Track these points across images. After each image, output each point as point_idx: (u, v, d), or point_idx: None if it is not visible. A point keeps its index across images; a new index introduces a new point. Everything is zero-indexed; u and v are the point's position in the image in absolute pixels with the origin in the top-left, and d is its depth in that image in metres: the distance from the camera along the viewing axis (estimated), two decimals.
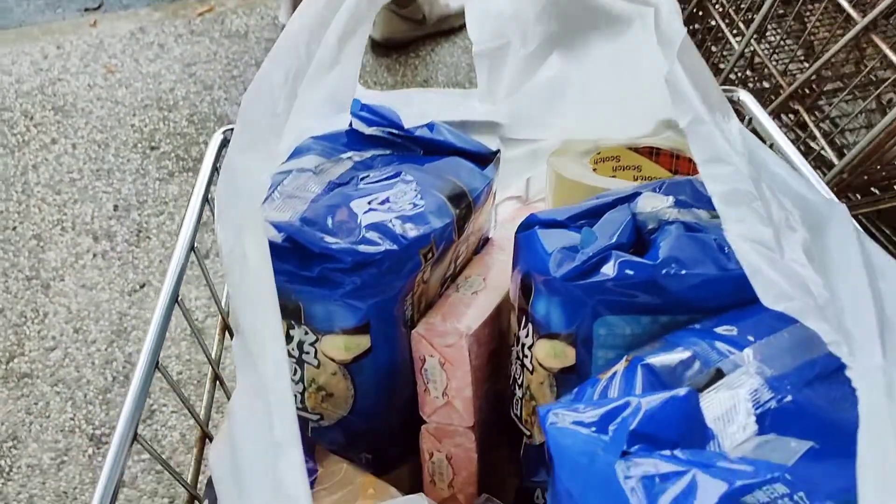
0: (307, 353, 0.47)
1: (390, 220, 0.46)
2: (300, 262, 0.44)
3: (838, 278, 0.37)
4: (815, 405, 0.35)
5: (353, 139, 0.55)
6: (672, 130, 0.59)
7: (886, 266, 0.40)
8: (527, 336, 0.47)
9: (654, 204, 0.47)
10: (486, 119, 0.58)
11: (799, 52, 1.22)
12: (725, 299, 0.42)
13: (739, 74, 1.19)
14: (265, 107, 0.41)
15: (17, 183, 1.61)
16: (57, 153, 1.66)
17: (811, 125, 1.03)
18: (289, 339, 0.47)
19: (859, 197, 1.12)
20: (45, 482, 1.16)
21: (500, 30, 0.52)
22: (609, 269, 0.43)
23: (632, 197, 0.48)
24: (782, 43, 1.19)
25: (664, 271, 0.42)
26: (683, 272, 0.42)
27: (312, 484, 0.43)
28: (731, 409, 0.35)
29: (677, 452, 0.32)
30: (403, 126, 0.54)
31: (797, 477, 0.32)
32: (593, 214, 0.48)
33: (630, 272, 0.42)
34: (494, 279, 0.53)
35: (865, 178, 1.08)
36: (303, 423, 0.49)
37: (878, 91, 1.09)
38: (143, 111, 1.73)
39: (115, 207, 1.54)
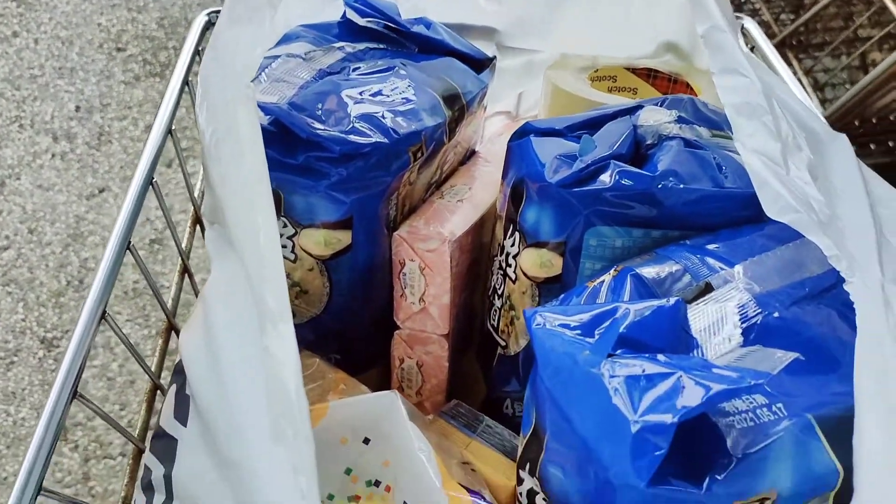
0: (284, 246, 0.45)
1: (382, 113, 0.44)
2: (285, 148, 0.42)
3: (840, 200, 0.36)
4: (802, 322, 0.34)
5: (345, 30, 0.52)
6: (672, 54, 0.57)
7: (885, 194, 0.39)
8: (513, 245, 0.46)
9: (655, 117, 0.45)
10: (484, 24, 0.56)
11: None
12: (720, 217, 0.41)
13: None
14: None
15: None
16: (18, 47, 1.58)
17: (800, 73, 1.02)
18: None
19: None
20: None
21: None
22: (606, 178, 0.41)
23: (633, 110, 0.47)
24: None
25: (661, 184, 0.41)
26: (681, 186, 0.41)
27: None
28: (718, 321, 0.35)
29: (661, 356, 0.31)
30: (400, 20, 0.51)
31: (777, 388, 0.32)
32: (592, 125, 0.47)
33: (627, 182, 0.41)
34: (479, 190, 0.52)
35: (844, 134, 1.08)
36: None
37: (863, 48, 1.08)
38: (110, 10, 1.66)
39: (77, 108, 1.48)
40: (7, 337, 1.19)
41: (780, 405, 0.32)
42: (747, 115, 0.36)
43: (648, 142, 0.45)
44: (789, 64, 1.03)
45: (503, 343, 0.48)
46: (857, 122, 1.07)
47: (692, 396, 0.29)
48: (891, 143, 1.13)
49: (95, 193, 1.36)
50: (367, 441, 0.38)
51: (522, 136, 0.47)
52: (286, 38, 0.49)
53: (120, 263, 0.42)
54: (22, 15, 1.65)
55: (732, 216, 0.41)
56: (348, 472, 0.38)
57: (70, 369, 0.37)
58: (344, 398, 0.39)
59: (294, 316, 0.47)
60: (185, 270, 0.52)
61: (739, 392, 0.30)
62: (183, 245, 0.52)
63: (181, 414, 0.35)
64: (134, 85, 1.53)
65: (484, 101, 0.54)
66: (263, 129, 0.40)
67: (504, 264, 0.47)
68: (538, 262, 0.44)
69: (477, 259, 0.50)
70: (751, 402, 0.32)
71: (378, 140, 0.42)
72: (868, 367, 0.27)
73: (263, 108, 0.42)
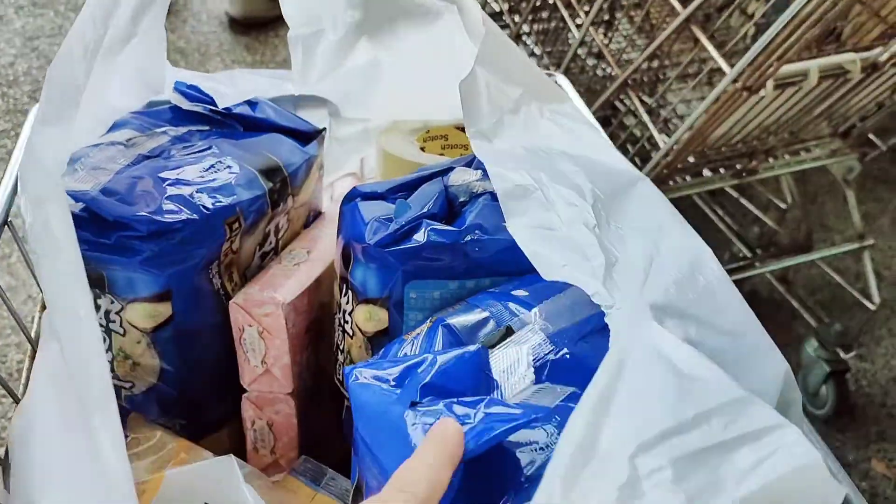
0: (113, 321, 0.47)
1: (192, 192, 0.47)
2: (98, 229, 0.45)
3: (624, 240, 0.41)
4: (586, 356, 0.39)
5: (174, 115, 0.55)
6: None
7: (673, 224, 0.44)
8: (347, 303, 0.49)
9: (464, 178, 0.50)
10: (318, 95, 0.59)
11: (639, 42, 1.30)
12: (524, 261, 0.45)
13: (586, 62, 1.25)
14: (66, 79, 0.41)
15: None
16: None
17: (640, 110, 1.10)
18: (97, 307, 0.47)
19: (689, 179, 1.21)
20: None
21: (315, 16, 0.54)
22: (420, 237, 0.45)
23: (445, 171, 0.51)
24: (633, 36, 1.25)
25: (468, 237, 0.45)
26: (486, 238, 0.45)
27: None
28: (515, 362, 0.39)
29: (458, 404, 0.35)
30: (218, 105, 0.55)
31: (565, 418, 0.36)
32: (410, 187, 0.50)
33: (438, 238, 0.45)
34: (320, 251, 0.55)
35: (693, 160, 1.17)
36: (116, 391, 0.49)
37: (698, 78, 1.17)
38: None
39: None
40: None
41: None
42: (516, 197, 0.41)
43: (461, 199, 0.49)
44: (631, 100, 1.11)
45: (348, 396, 0.51)
46: (703, 149, 1.16)
47: (479, 437, 0.33)
48: (738, 167, 1.22)
49: None
50: None
51: (351, 200, 0.50)
52: (114, 126, 0.52)
53: None
54: None
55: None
56: None
57: None
58: (182, 467, 0.41)
59: (133, 386, 0.49)
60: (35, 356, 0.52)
61: (519, 427, 0.33)
62: (33, 330, 0.53)
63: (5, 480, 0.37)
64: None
65: (315, 168, 0.57)
66: (76, 216, 0.43)
67: (342, 321, 0.50)
68: (368, 317, 0.47)
69: (318, 318, 0.53)
70: (543, 432, 0.36)
71: (188, 217, 0.45)
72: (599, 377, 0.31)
73: (74, 195, 0.44)
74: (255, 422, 0.51)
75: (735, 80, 0.93)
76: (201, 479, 0.40)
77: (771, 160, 1.24)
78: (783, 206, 1.46)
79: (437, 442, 0.32)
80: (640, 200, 0.47)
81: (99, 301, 0.47)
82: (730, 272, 0.48)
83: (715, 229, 1.42)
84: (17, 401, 0.47)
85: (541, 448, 0.35)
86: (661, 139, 1.08)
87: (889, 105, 1.15)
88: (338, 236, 0.51)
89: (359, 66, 0.58)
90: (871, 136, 1.24)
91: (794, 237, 1.45)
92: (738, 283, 0.44)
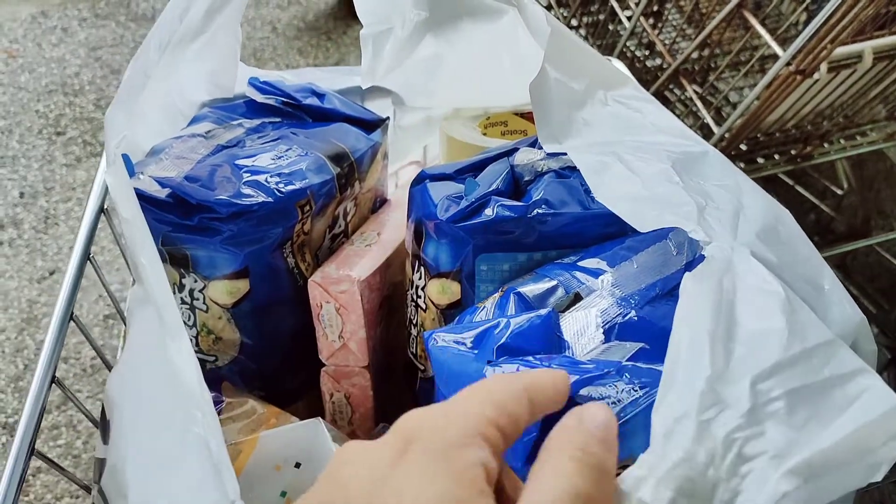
0: (197, 299, 0.51)
1: (267, 177, 0.50)
2: (183, 212, 0.48)
3: (709, 195, 0.43)
4: (653, 318, 0.40)
5: (248, 108, 0.59)
6: None
7: (751, 188, 0.46)
8: (420, 278, 0.51)
9: (528, 157, 0.52)
10: (383, 86, 0.63)
11: (689, 32, 1.31)
12: (588, 234, 0.47)
13: (636, 53, 1.26)
14: (139, 70, 0.45)
15: None
16: None
17: (694, 98, 1.10)
18: (181, 287, 0.51)
19: (742, 166, 1.21)
20: None
21: (385, 15, 0.57)
22: (489, 212, 0.47)
23: (510, 152, 0.53)
24: (683, 26, 1.26)
25: (535, 211, 0.47)
26: (551, 212, 0.47)
27: (220, 413, 0.46)
28: (584, 325, 0.41)
29: (533, 358, 0.37)
30: (294, 94, 0.58)
31: (635, 375, 0.37)
32: (477, 168, 0.53)
33: (506, 213, 0.47)
34: (389, 234, 0.57)
35: (746, 148, 1.17)
36: (201, 364, 0.53)
37: (750, 64, 1.17)
38: (47, 96, 1.70)
39: (21, 195, 1.51)
40: None
41: (636, 388, 0.38)
42: (598, 171, 0.43)
43: (526, 178, 0.51)
44: (683, 90, 1.12)
45: (422, 367, 0.53)
46: (758, 134, 1.16)
47: None
48: (792, 152, 1.22)
49: (46, 276, 1.39)
50: (298, 465, 0.43)
51: (420, 182, 0.53)
52: (194, 120, 0.56)
53: (64, 332, 0.47)
54: None
55: (598, 233, 0.47)
56: (283, 494, 0.43)
57: (25, 432, 0.42)
58: (275, 429, 0.44)
59: (217, 360, 0.53)
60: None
61: (593, 379, 0.35)
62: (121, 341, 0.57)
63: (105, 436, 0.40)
64: (76, 167, 1.57)
65: (379, 155, 0.60)
66: (162, 200, 0.47)
67: (415, 296, 0.53)
68: (441, 290, 0.50)
69: (388, 296, 0.56)
70: (614, 388, 0.38)
71: (263, 199, 0.49)
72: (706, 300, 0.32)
73: (160, 181, 0.48)
74: (334, 394, 0.54)
75: (788, 64, 0.93)
76: (293, 440, 0.43)
77: (826, 145, 1.24)
78: (839, 192, 1.44)
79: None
80: (715, 164, 0.48)
81: (184, 280, 0.51)
82: None
83: None
84: (109, 368, 0.51)
85: (612, 403, 0.37)
86: (714, 126, 1.09)
87: None
88: (408, 217, 0.53)
89: (422, 58, 0.61)
90: None
91: (851, 224, 1.44)
92: None
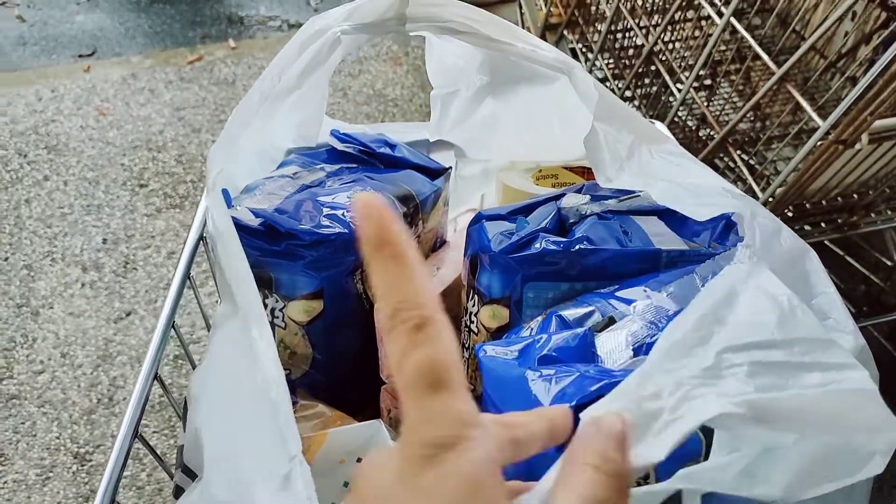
0: (277, 317, 0.58)
1: (344, 212, 0.58)
2: (272, 239, 0.56)
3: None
4: None
5: (329, 155, 0.67)
6: None
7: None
8: (473, 305, 0.57)
9: (574, 201, 0.58)
10: (447, 140, 0.71)
11: (739, 104, 1.36)
12: (625, 269, 0.53)
13: (686, 122, 1.32)
14: (241, 117, 0.53)
15: (10, 216, 1.69)
16: (49, 189, 1.74)
17: (740, 164, 1.16)
18: (265, 306, 0.58)
19: None
20: (31, 496, 1.22)
21: (453, 79, 0.66)
22: (537, 245, 0.54)
23: (558, 196, 0.59)
24: (734, 98, 1.32)
25: (578, 246, 0.53)
26: (593, 247, 0.53)
27: (294, 412, 0.53)
28: (616, 344, 0.46)
29: (568, 367, 0.42)
30: (370, 144, 0.66)
31: None
32: (528, 210, 0.59)
33: (552, 247, 0.53)
34: (446, 270, 0.64)
35: (792, 213, 1.21)
36: None
37: (791, 134, 1.21)
38: (133, 151, 1.83)
39: (104, 241, 1.62)
40: (43, 454, 1.28)
41: None
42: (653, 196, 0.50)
43: (571, 220, 0.57)
44: (731, 158, 1.17)
45: (472, 387, 0.59)
46: (803, 201, 1.20)
47: (586, 388, 0.40)
48: (839, 221, 1.25)
49: (122, 317, 1.47)
50: (359, 460, 0.49)
51: (477, 221, 0.60)
52: (282, 164, 0.65)
53: (149, 392, 0.52)
54: (52, 160, 1.83)
55: (632, 268, 0.53)
56: (346, 485, 0.48)
57: (108, 484, 0.47)
58: (342, 427, 0.50)
59: (290, 373, 0.59)
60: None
61: (615, 384, 0.40)
62: None
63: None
64: (156, 217, 1.67)
65: (441, 200, 0.67)
66: (255, 228, 0.54)
67: (468, 322, 0.59)
68: (492, 315, 0.56)
69: None
70: None
71: (340, 230, 0.56)
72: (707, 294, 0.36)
73: (254, 212, 0.56)
74: (392, 411, 0.60)
75: (828, 133, 0.98)
76: (357, 438, 0.49)
77: (872, 215, 1.26)
78: (889, 263, 1.46)
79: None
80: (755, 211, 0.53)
81: (267, 301, 0.58)
82: None
83: None
84: (194, 366, 0.58)
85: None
86: (759, 192, 1.13)
87: None
88: (465, 253, 0.60)
89: (483, 117, 0.69)
90: None
91: None
92: None
